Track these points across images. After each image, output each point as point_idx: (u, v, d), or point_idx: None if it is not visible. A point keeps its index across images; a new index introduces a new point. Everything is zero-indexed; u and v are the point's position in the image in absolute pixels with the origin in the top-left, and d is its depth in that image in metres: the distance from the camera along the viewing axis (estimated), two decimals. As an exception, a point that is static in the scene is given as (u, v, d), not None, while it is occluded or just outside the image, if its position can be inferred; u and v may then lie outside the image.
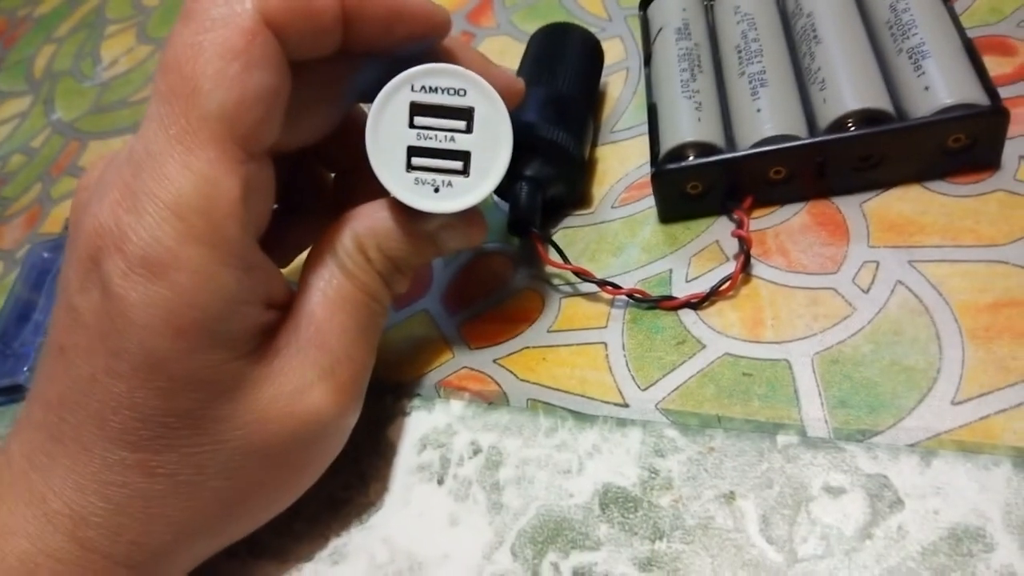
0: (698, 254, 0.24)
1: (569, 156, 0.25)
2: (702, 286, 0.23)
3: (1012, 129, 0.22)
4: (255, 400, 0.19)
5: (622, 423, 0.21)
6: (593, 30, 0.29)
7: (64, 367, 0.18)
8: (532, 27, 0.30)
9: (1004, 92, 0.23)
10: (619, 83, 0.30)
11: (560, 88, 0.26)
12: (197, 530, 0.19)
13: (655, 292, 0.23)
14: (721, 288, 0.22)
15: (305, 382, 0.19)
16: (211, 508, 0.19)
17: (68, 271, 0.18)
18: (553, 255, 0.24)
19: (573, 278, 0.24)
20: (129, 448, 0.18)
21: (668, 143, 0.23)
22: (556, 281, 0.25)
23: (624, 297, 0.23)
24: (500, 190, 0.26)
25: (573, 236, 0.26)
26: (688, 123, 0.23)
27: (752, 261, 0.23)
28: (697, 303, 0.22)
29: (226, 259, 0.18)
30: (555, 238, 0.26)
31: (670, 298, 0.23)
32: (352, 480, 0.22)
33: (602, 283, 0.23)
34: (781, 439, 0.19)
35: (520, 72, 0.27)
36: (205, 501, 0.19)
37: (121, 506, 0.18)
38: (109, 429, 0.18)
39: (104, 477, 0.18)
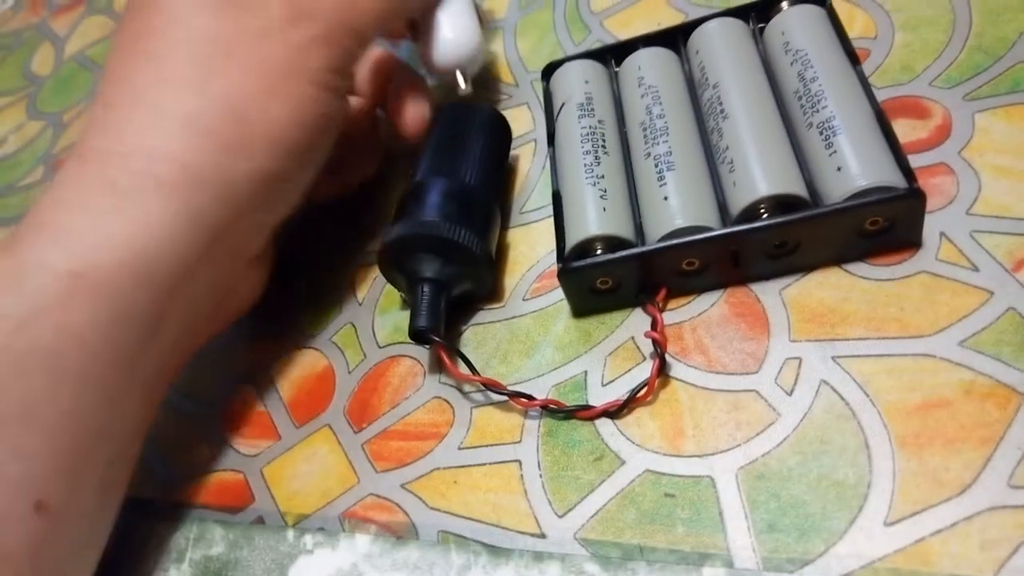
0: (613, 353, 0.22)
1: (473, 256, 0.23)
2: (619, 390, 0.21)
3: (932, 202, 0.21)
4: None
5: (539, 557, 0.19)
6: (499, 96, 0.28)
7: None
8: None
9: (920, 160, 0.22)
10: (528, 156, 0.28)
11: (463, 179, 0.24)
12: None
13: (570, 398, 0.21)
14: (638, 395, 0.20)
15: None
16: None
17: None
18: (461, 366, 0.22)
19: (484, 386, 0.22)
20: None
21: (573, 237, 0.22)
22: (467, 388, 0.23)
23: (539, 407, 0.21)
24: (401, 290, 0.24)
25: (484, 334, 0.24)
26: (593, 215, 0.22)
27: (670, 361, 0.21)
28: (614, 412, 0.21)
29: None
30: (466, 335, 0.24)
31: (586, 407, 0.21)
32: (247, 642, 0.20)
33: (514, 395, 0.21)
34: (707, 572, 0.18)
35: (421, 159, 0.25)
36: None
37: None
38: None
39: None
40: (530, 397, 0.21)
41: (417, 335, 0.22)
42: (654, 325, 0.21)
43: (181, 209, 0.21)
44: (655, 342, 0.21)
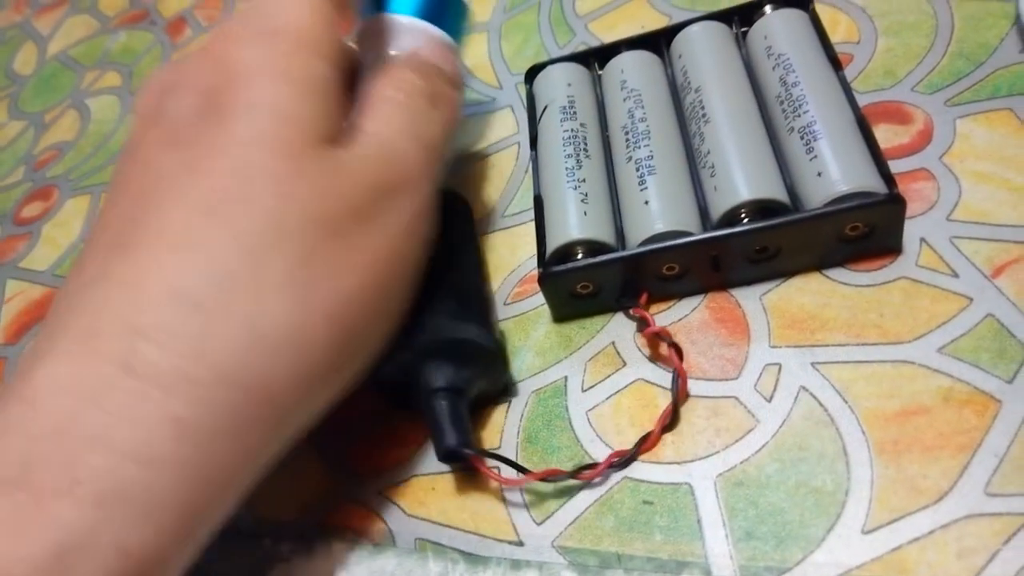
0: (594, 358, 0.22)
1: (484, 350, 0.21)
2: (598, 396, 0.21)
3: (912, 207, 0.21)
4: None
5: (517, 565, 0.19)
6: (482, 100, 0.28)
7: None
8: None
9: (901, 165, 0.22)
10: (510, 161, 0.28)
11: (447, 274, 0.22)
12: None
13: (550, 403, 0.21)
14: (678, 403, 0.20)
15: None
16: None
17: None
18: (506, 470, 0.20)
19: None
20: None
21: (554, 242, 0.22)
22: (446, 393, 0.23)
23: (519, 412, 0.21)
24: (415, 407, 0.21)
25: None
26: (574, 219, 0.22)
27: (649, 366, 0.21)
28: (669, 425, 0.20)
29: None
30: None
31: (590, 467, 0.19)
32: (221, 650, 0.20)
33: (578, 472, 0.19)
34: (685, 580, 0.18)
35: None
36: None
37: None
38: None
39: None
40: (592, 467, 0.19)
41: (449, 456, 0.20)
42: (647, 324, 0.21)
43: (248, 444, 0.17)
44: (659, 335, 0.20)
